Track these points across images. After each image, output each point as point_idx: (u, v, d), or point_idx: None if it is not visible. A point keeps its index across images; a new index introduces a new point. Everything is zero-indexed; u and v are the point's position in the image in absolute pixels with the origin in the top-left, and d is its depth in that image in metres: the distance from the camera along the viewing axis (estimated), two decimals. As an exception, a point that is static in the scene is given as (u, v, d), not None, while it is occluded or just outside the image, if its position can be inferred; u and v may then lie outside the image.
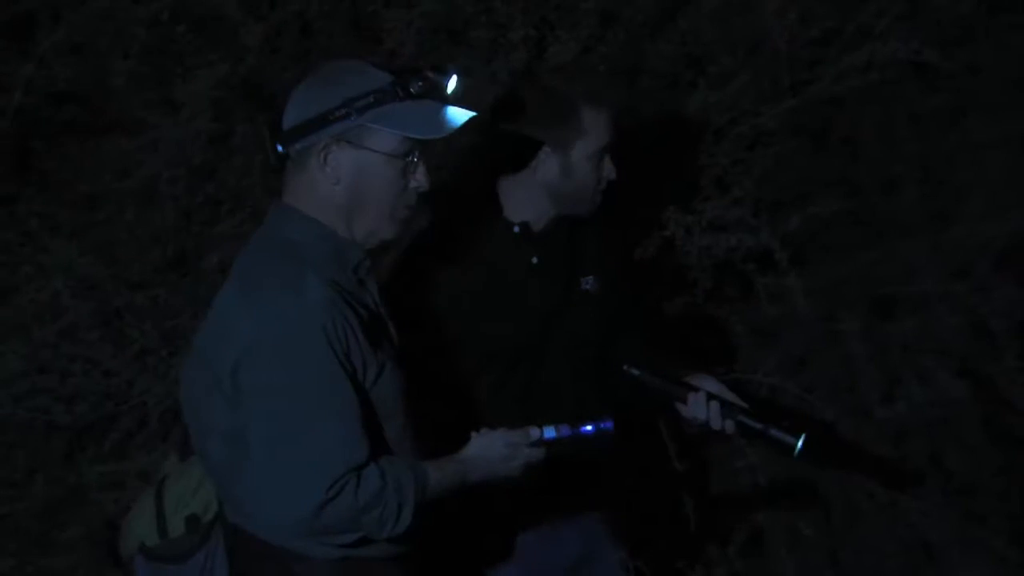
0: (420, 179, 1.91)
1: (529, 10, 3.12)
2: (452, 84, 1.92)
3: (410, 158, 1.88)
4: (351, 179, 1.86)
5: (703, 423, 2.36)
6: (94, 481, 2.87)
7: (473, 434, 1.98)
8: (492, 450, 1.95)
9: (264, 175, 2.93)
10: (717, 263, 3.28)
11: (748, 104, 3.34)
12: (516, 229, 2.38)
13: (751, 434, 2.39)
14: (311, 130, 1.84)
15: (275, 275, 1.80)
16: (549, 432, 2.01)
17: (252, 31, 2.88)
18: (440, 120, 1.90)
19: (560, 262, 2.44)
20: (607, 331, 2.53)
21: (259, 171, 2.91)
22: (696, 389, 2.37)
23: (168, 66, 2.87)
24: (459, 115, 1.92)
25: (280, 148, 1.90)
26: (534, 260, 2.39)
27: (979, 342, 3.71)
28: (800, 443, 2.31)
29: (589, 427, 2.05)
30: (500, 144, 2.43)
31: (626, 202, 2.64)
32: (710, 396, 2.35)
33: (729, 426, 2.35)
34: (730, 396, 2.39)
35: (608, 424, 2.06)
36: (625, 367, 2.42)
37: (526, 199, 2.38)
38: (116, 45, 2.82)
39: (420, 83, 1.86)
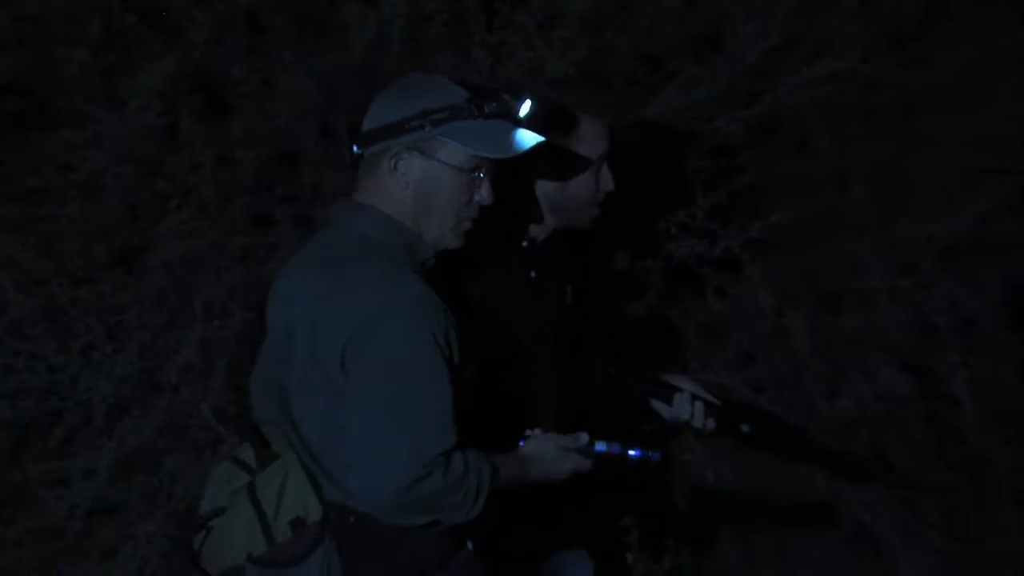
0: (484, 194, 2.00)
1: (490, 9, 3.11)
2: (525, 108, 2.01)
3: (476, 173, 1.97)
4: (418, 187, 1.95)
5: (685, 422, 2.43)
6: (39, 478, 2.84)
7: (528, 433, 2.08)
8: (546, 451, 2.05)
9: (212, 170, 2.92)
10: (673, 265, 3.30)
11: (705, 108, 3.36)
12: (525, 244, 2.39)
13: (730, 432, 2.48)
14: (386, 136, 1.94)
15: (372, 268, 1.90)
16: (600, 446, 2.09)
17: (200, 25, 2.84)
18: (508, 141, 1.99)
19: (554, 276, 2.44)
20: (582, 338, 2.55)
21: (206, 166, 2.88)
22: (680, 389, 2.43)
23: (115, 59, 2.82)
24: (527, 138, 2.01)
25: (356, 149, 2.00)
26: (532, 275, 2.40)
27: (924, 338, 3.76)
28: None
29: (636, 452, 2.12)
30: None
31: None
32: (694, 396, 2.42)
33: (710, 424, 2.42)
34: (709, 396, 2.46)
35: (656, 455, 2.13)
36: (611, 370, 2.49)
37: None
38: (66, 35, 2.77)
39: (494, 103, 1.96)
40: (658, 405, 2.45)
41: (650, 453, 2.12)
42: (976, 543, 3.81)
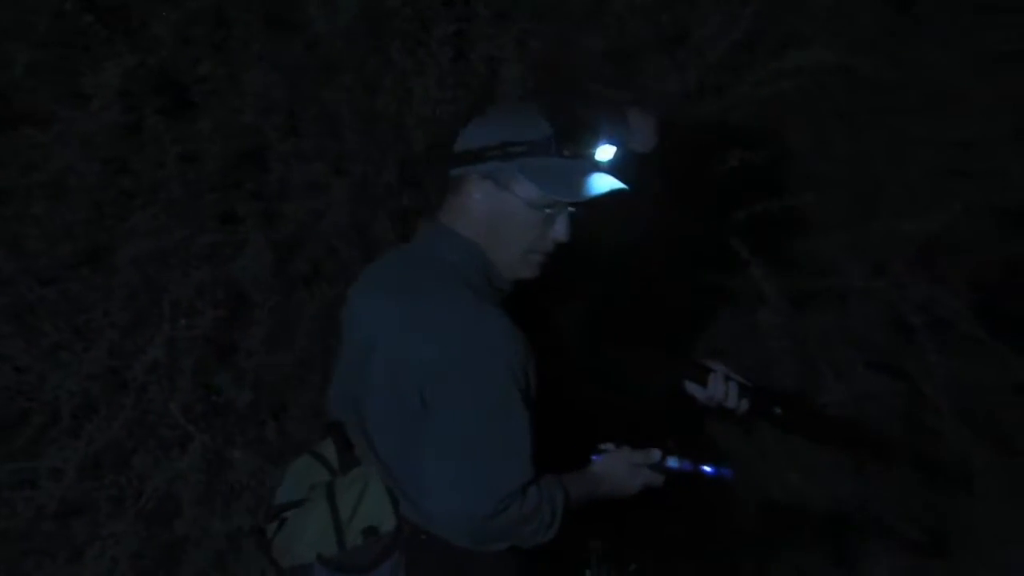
0: (559, 231, 1.96)
1: (454, 2, 3.12)
2: (607, 153, 2.00)
3: (550, 211, 1.93)
4: (491, 216, 1.94)
5: (719, 403, 2.41)
6: (5, 479, 2.82)
7: (602, 447, 2.06)
8: (618, 468, 2.05)
9: (178, 167, 2.91)
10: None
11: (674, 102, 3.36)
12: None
13: (762, 414, 2.47)
14: (467, 161, 1.94)
15: (452, 299, 1.87)
16: (672, 462, 2.08)
17: (164, 21, 2.83)
18: (583, 184, 1.93)
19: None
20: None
21: (172, 164, 2.88)
22: (714, 370, 2.42)
23: (76, 56, 2.81)
24: (604, 183, 1.95)
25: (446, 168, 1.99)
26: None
27: (897, 337, 3.76)
28: None
29: (711, 469, 2.11)
30: None
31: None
32: (727, 377, 2.41)
33: (744, 405, 2.41)
34: (741, 378, 2.46)
35: (729, 472, 2.12)
36: (646, 352, 2.52)
37: None
38: (18, 34, 2.76)
39: (575, 145, 1.92)
40: (692, 387, 2.44)
41: (723, 470, 2.11)
42: (952, 540, 3.80)
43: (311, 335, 3.04)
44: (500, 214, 1.92)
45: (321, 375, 3.02)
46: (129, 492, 2.87)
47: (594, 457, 2.06)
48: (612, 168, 1.98)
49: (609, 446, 2.08)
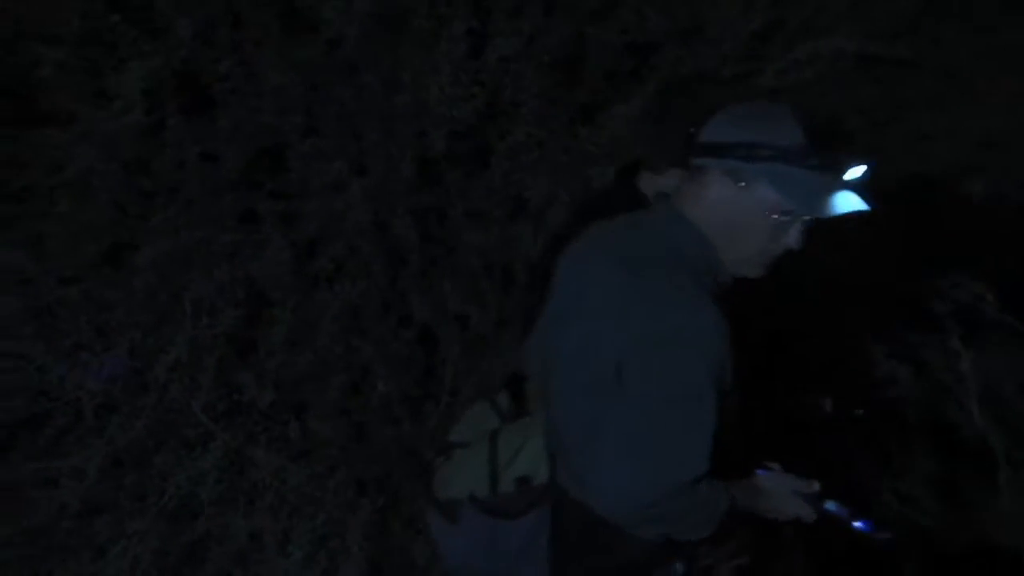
0: (792, 239, 1.91)
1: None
2: (856, 172, 1.90)
3: (785, 219, 1.88)
4: (726, 213, 1.89)
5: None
6: (28, 478, 2.83)
7: (768, 465, 2.05)
8: (780, 489, 2.03)
9: (199, 167, 2.92)
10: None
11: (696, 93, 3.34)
12: None
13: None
14: (712, 154, 1.89)
15: (671, 283, 1.83)
16: (830, 505, 2.04)
17: (184, 23, 2.84)
18: (826, 200, 1.87)
19: None
20: None
21: (193, 164, 2.88)
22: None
23: (99, 57, 2.82)
24: (849, 203, 1.89)
25: (688, 155, 1.94)
26: None
27: (922, 327, 3.73)
28: None
29: (863, 525, 2.06)
30: None
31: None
32: None
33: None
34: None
35: (885, 537, 2.07)
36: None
37: None
38: (45, 35, 2.77)
39: (828, 159, 1.86)
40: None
41: (877, 533, 2.05)
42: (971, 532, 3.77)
43: (332, 334, 3.05)
44: (735, 212, 1.88)
45: (345, 374, 3.03)
46: (151, 491, 2.88)
47: (759, 472, 2.04)
48: (857, 187, 1.91)
49: (775, 466, 2.06)
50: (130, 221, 2.93)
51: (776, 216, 1.86)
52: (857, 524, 2.06)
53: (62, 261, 2.87)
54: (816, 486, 2.03)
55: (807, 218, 1.89)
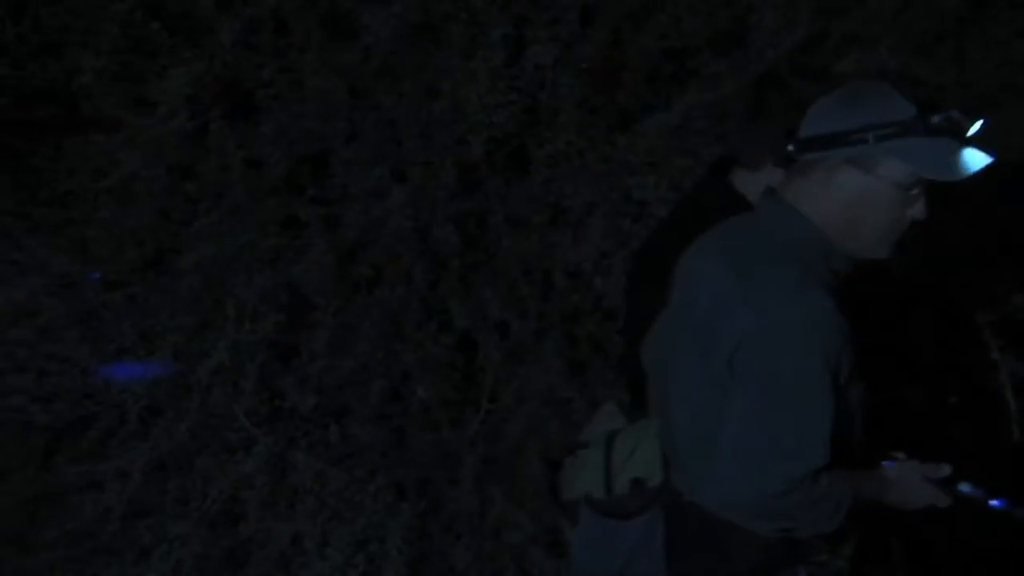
0: (919, 210, 1.90)
1: (508, 7, 3.12)
2: (975, 126, 1.87)
3: (914, 190, 1.87)
4: (852, 200, 1.87)
5: None
6: (73, 480, 2.86)
7: (894, 455, 2.01)
8: (910, 478, 1.99)
9: (242, 172, 2.94)
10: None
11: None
12: None
13: None
14: (825, 146, 1.87)
15: (782, 276, 1.83)
16: (964, 487, 2.00)
17: (226, 28, 2.86)
18: (955, 162, 1.85)
19: None
20: None
21: (236, 169, 2.90)
22: None
23: (143, 64, 2.85)
24: (975, 159, 1.86)
25: (792, 151, 1.93)
26: None
27: (959, 335, 3.70)
28: None
29: (999, 503, 2.01)
30: None
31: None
32: None
33: None
34: None
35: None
36: None
37: None
38: (88, 42, 2.80)
39: (943, 119, 1.84)
40: None
41: (1016, 509, 1.99)
42: None
43: (373, 339, 3.06)
44: (863, 197, 1.86)
45: (385, 379, 3.04)
46: (194, 495, 2.90)
47: (885, 463, 2.00)
48: (979, 142, 1.88)
49: (901, 455, 2.02)
50: (173, 226, 2.95)
51: (905, 190, 1.85)
52: (994, 503, 2.00)
53: (106, 266, 2.89)
54: (947, 470, 1.99)
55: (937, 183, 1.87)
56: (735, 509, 1.83)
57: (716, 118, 3.29)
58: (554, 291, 3.28)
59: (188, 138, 2.91)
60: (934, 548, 2.73)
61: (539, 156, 3.25)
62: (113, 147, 2.85)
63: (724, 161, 2.56)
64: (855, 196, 1.86)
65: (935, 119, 1.83)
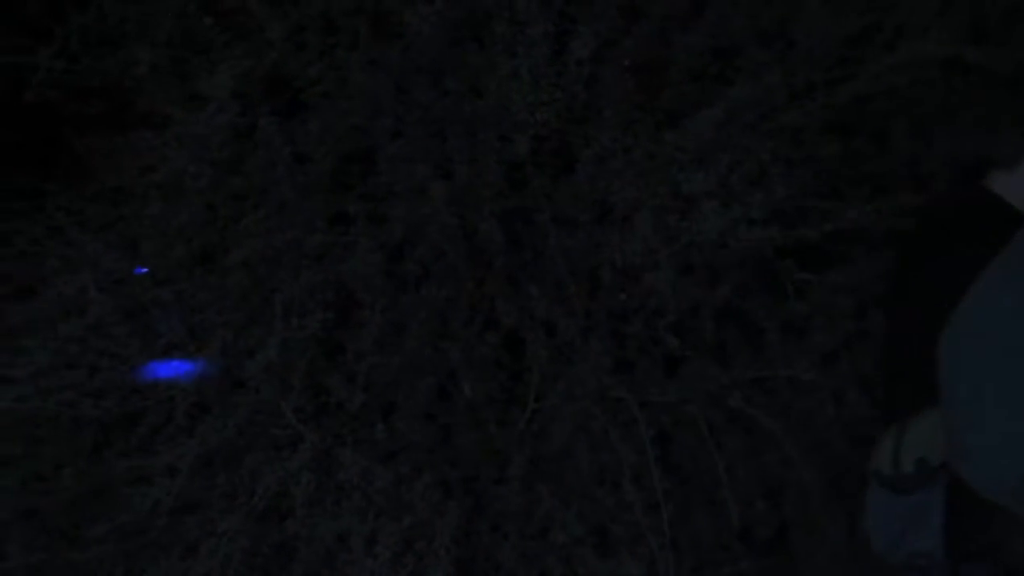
0: None
1: (550, 3, 3.11)
2: None
3: None
4: None
5: None
6: (122, 475, 2.86)
7: None
8: None
9: (290, 169, 2.94)
10: (748, 258, 3.24)
11: (780, 100, 3.30)
12: None
13: None
14: None
15: None
16: None
17: (276, 26, 2.88)
18: None
19: None
20: None
21: (284, 165, 2.91)
22: None
23: (193, 60, 2.87)
24: None
25: None
26: None
27: None
28: None
29: None
30: None
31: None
32: None
33: None
34: None
35: None
36: None
37: None
38: (142, 37, 2.82)
39: None
40: None
41: None
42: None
43: (420, 337, 3.05)
44: None
45: (432, 377, 3.03)
46: (241, 490, 2.90)
47: None
48: None
49: None
50: (221, 222, 2.96)
51: None
52: None
53: (154, 262, 2.91)
54: None
55: None
56: (1000, 491, 1.78)
57: (763, 114, 3.28)
58: (601, 289, 3.26)
59: (237, 134, 2.92)
60: None
61: (585, 153, 3.24)
62: (162, 143, 2.86)
63: (976, 165, 2.47)
64: None
65: None
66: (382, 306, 3.00)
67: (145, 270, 2.93)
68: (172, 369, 2.90)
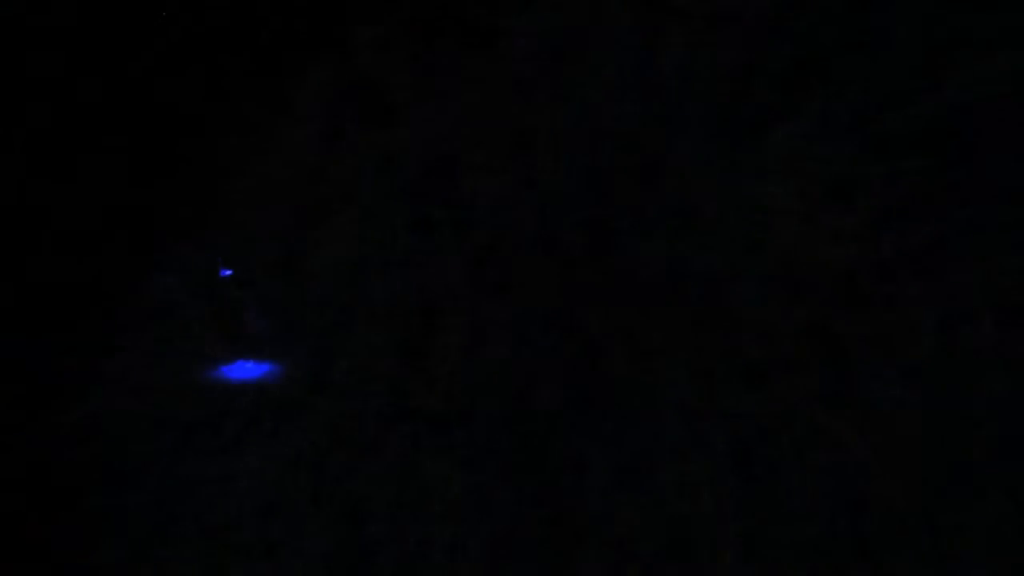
0: None
1: (637, 12, 3.10)
2: None
3: None
4: None
5: None
6: (207, 476, 2.90)
7: None
8: None
9: (374, 176, 2.96)
10: (832, 270, 3.20)
11: (868, 111, 3.27)
12: None
13: None
14: None
15: None
16: None
17: (364, 33, 2.90)
18: None
19: None
20: None
21: (369, 172, 2.93)
22: None
23: (283, 65, 2.90)
24: None
25: None
26: None
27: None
28: None
29: None
30: None
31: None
32: None
33: None
34: None
35: None
36: None
37: None
38: (233, 44, 2.86)
39: None
40: None
41: None
42: None
43: (501, 344, 3.05)
44: None
45: (512, 384, 3.02)
46: (324, 493, 2.92)
47: None
48: None
49: None
50: (306, 228, 2.98)
51: None
52: None
53: (240, 265, 2.94)
54: None
55: None
56: None
57: (850, 125, 3.24)
58: (682, 298, 3.24)
59: (323, 140, 2.94)
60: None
61: (669, 162, 3.23)
62: (250, 148, 2.89)
63: None
64: None
65: None
66: (464, 312, 3.01)
67: (230, 272, 2.96)
68: (258, 371, 2.92)
